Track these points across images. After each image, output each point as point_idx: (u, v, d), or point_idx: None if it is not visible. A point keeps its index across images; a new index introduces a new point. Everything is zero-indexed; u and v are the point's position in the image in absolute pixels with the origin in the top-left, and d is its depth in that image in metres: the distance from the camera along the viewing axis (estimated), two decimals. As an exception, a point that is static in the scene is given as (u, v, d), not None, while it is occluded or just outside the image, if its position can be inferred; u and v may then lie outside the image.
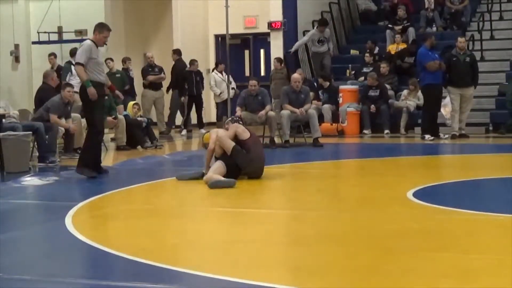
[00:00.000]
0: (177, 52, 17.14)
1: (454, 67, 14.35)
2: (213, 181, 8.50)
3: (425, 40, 14.82)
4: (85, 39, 14.91)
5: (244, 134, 9.12)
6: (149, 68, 16.66)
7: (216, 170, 8.79)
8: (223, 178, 8.59)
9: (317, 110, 15.61)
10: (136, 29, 19.86)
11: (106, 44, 10.21)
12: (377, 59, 17.42)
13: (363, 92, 16.16)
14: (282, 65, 16.96)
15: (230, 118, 9.77)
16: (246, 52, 19.64)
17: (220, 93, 17.32)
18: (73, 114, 12.20)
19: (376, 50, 17.88)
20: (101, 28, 9.76)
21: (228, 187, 8.43)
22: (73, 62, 15.39)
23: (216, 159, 9.00)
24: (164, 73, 16.67)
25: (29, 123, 11.69)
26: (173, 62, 17.68)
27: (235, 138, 9.07)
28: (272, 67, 17.23)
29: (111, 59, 16.05)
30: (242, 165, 8.95)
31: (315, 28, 17.38)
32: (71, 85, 12.17)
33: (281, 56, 17.66)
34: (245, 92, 13.78)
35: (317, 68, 17.40)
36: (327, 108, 16.10)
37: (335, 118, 16.13)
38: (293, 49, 17.47)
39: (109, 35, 9.86)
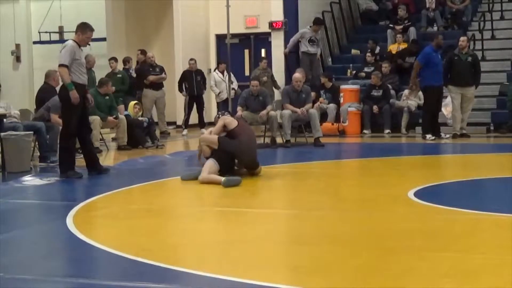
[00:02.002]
0: (143, 52, 17.08)
1: (455, 67, 14.35)
2: (226, 179, 8.53)
3: (432, 39, 14.81)
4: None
5: (233, 123, 9.24)
6: (150, 68, 16.64)
7: (210, 169, 8.82)
8: (218, 177, 8.69)
9: (321, 109, 15.65)
10: (137, 28, 19.86)
11: (89, 44, 10.01)
12: (378, 59, 17.43)
13: (365, 91, 16.16)
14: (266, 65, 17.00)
15: (217, 115, 9.84)
16: (246, 52, 19.62)
17: (219, 92, 17.33)
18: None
19: (377, 49, 17.90)
20: (84, 28, 9.61)
21: (239, 184, 8.52)
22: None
23: (212, 157, 9.02)
24: (165, 73, 16.66)
25: (30, 123, 11.70)
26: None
27: (225, 130, 9.16)
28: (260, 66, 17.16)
29: (115, 59, 16.05)
30: (233, 151, 8.98)
31: (308, 26, 17.31)
32: None
33: (283, 56, 17.69)
34: (246, 92, 13.79)
35: (304, 69, 17.26)
36: (332, 107, 16.10)
37: (336, 118, 16.13)
38: (287, 50, 17.37)
39: (92, 35, 9.74)
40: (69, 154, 9.66)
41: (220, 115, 9.57)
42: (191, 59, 16.90)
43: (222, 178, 8.63)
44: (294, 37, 17.22)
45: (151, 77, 16.41)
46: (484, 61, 16.54)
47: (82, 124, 9.73)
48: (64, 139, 9.65)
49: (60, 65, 9.40)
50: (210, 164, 8.90)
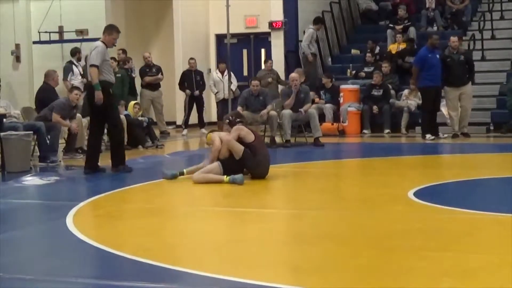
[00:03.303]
0: (124, 52, 17.02)
1: (449, 68, 14.33)
2: (232, 177, 8.56)
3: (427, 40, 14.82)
4: (86, 39, 14.99)
5: (249, 136, 9.04)
6: (147, 68, 16.60)
7: (212, 170, 8.79)
8: (217, 176, 8.70)
9: (319, 109, 15.63)
10: (137, 28, 19.85)
11: (115, 45, 10.62)
12: (378, 59, 17.43)
13: (366, 91, 16.15)
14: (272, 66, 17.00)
15: (227, 120, 9.64)
16: (245, 52, 19.60)
17: (217, 92, 17.33)
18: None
19: (377, 49, 17.90)
20: (110, 30, 10.07)
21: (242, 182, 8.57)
22: (74, 62, 15.52)
23: (220, 160, 8.96)
24: (162, 74, 16.63)
25: (30, 123, 11.70)
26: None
27: (238, 139, 9.03)
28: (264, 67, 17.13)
29: (114, 59, 16.03)
30: (250, 169, 8.91)
31: (311, 27, 17.27)
32: (79, 88, 12.25)
33: (283, 55, 17.68)
34: (246, 91, 13.80)
35: (315, 70, 17.19)
36: (328, 107, 16.10)
37: (336, 117, 16.13)
38: (309, 55, 17.21)
39: (118, 37, 10.17)
40: (122, 147, 10.19)
41: (230, 124, 9.35)
42: (191, 58, 16.90)
43: (223, 177, 8.63)
44: (307, 40, 17.06)
45: (147, 78, 16.40)
46: (484, 61, 16.55)
47: (100, 123, 10.06)
48: (118, 135, 10.08)
49: (92, 65, 9.75)
50: (214, 167, 8.87)
